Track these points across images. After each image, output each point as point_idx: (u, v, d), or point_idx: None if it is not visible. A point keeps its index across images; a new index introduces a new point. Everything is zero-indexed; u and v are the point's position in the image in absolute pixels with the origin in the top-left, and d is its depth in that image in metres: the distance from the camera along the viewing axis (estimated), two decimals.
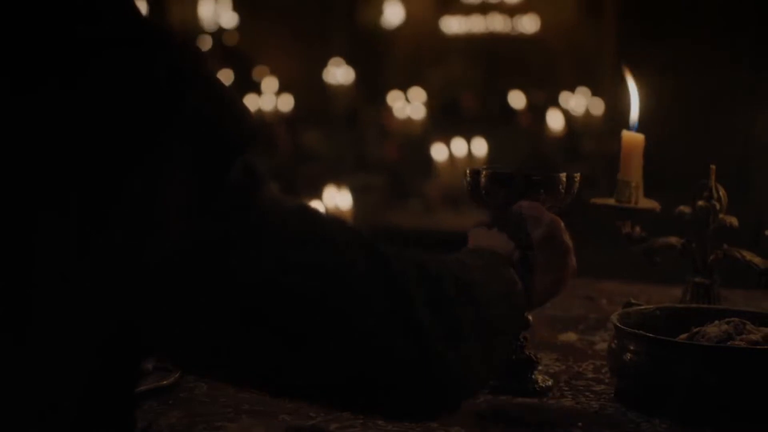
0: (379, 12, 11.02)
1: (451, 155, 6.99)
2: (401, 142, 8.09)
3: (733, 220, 1.73)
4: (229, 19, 9.84)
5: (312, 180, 6.77)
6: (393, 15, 10.96)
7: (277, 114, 8.39)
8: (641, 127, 1.84)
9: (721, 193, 1.75)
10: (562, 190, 1.40)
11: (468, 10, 10.97)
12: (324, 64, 9.75)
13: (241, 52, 9.92)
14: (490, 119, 9.06)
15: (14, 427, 0.79)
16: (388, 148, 7.87)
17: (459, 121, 8.61)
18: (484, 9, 10.92)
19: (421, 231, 6.43)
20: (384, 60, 11.23)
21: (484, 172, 1.41)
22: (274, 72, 9.44)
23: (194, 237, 0.83)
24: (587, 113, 9.44)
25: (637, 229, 1.82)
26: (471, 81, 10.76)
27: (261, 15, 10.14)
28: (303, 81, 9.74)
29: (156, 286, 0.82)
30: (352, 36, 10.93)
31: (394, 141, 8.04)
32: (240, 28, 9.98)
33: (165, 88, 0.82)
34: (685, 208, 1.78)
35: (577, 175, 1.42)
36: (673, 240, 1.79)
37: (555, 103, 9.21)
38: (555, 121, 8.55)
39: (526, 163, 7.72)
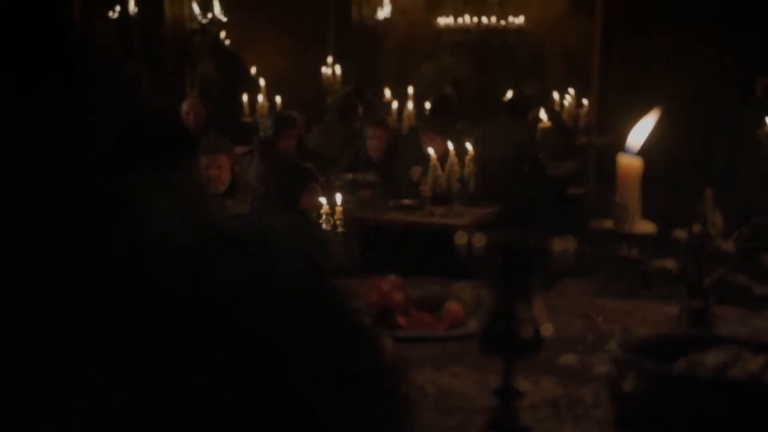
0: (372, 7, 11.02)
1: (443, 150, 6.99)
2: (393, 137, 8.09)
3: (729, 246, 1.76)
4: (220, 14, 9.82)
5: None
6: (385, 10, 10.96)
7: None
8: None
9: (716, 219, 1.78)
10: (557, 260, 1.41)
11: (459, 6, 10.98)
12: (317, 61, 9.75)
13: (232, 48, 9.91)
14: (482, 113, 9.07)
15: (14, 427, 0.80)
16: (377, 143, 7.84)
17: (452, 116, 8.62)
18: (475, 5, 10.92)
19: (412, 226, 6.46)
20: (377, 55, 11.24)
21: (479, 240, 1.43)
22: (265, 68, 9.43)
23: (194, 241, 0.85)
24: (576, 107, 9.47)
25: (634, 251, 1.85)
26: (463, 76, 10.76)
27: (253, 11, 10.12)
28: (295, 78, 9.75)
29: (154, 288, 0.83)
30: (346, 32, 10.92)
31: (383, 137, 8.00)
32: (232, 24, 9.96)
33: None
34: (680, 233, 1.81)
35: (572, 245, 1.42)
36: (669, 263, 1.83)
37: (545, 97, 9.23)
38: (543, 114, 8.58)
39: (518, 156, 7.74)
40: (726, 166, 9.11)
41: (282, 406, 0.91)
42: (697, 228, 1.78)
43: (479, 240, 1.44)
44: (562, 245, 1.42)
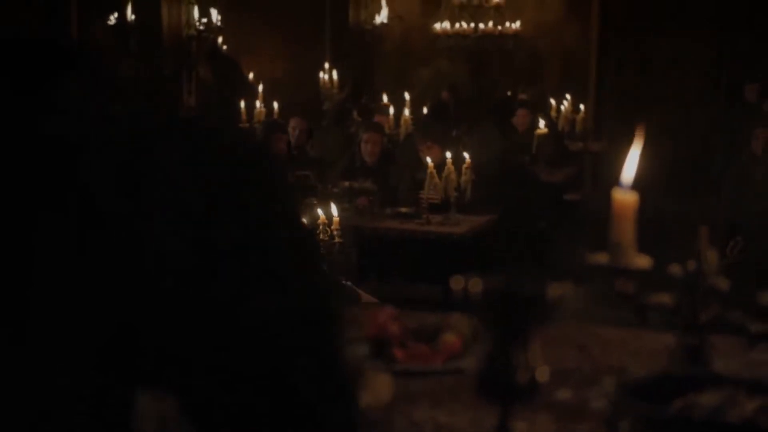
0: (369, 12, 11.01)
1: (441, 157, 6.99)
2: (388, 141, 8.08)
3: (723, 284, 1.77)
4: (217, 21, 9.80)
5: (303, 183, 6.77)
6: (382, 15, 10.95)
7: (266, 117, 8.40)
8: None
9: (710, 256, 1.79)
10: (552, 308, 1.43)
11: (456, 11, 10.96)
12: (314, 65, 9.75)
13: (230, 54, 9.90)
14: (480, 118, 9.07)
15: (15, 427, 0.81)
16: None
17: (448, 122, 8.62)
18: (471, 10, 10.91)
19: (410, 234, 6.47)
20: (374, 60, 11.24)
21: (476, 286, 1.44)
22: (263, 74, 9.43)
23: (193, 241, 0.85)
24: (573, 112, 9.48)
25: (630, 286, 1.86)
26: (460, 80, 10.77)
27: (250, 16, 10.12)
28: (293, 83, 9.75)
29: (154, 288, 0.84)
30: (343, 36, 10.92)
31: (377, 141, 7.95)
32: (229, 29, 9.96)
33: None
34: (676, 268, 1.82)
35: (569, 291, 1.43)
36: (665, 298, 1.84)
37: (543, 103, 9.24)
38: (540, 120, 8.58)
39: (512, 163, 7.74)
40: (725, 167, 9.14)
41: (282, 406, 0.92)
42: (691, 265, 1.79)
43: (476, 285, 1.45)
44: (559, 291, 1.43)
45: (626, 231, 1.85)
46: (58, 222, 0.80)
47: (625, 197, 1.86)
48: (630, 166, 1.87)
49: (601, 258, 1.88)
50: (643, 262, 1.85)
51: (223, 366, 0.90)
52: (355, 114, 8.95)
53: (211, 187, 0.86)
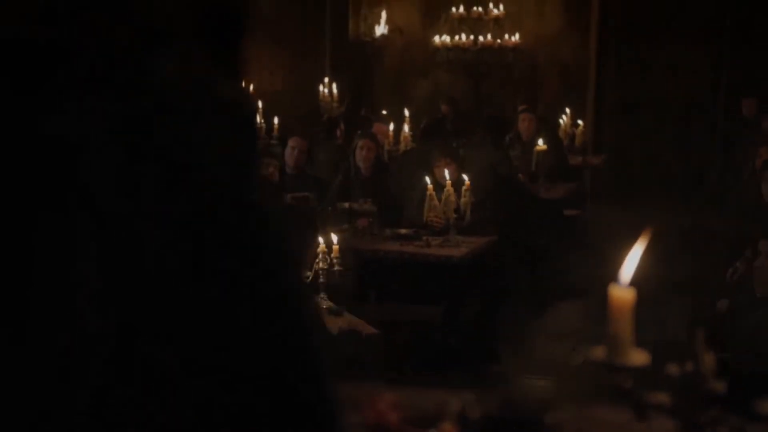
0: (369, 25, 11.01)
1: (441, 177, 7.00)
2: (382, 149, 8.05)
3: (720, 387, 1.78)
4: None
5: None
6: (382, 28, 10.96)
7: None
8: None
9: (707, 358, 1.79)
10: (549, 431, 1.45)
11: (456, 25, 10.97)
12: (314, 78, 9.74)
13: None
14: (477, 133, 9.06)
15: (15, 427, 0.81)
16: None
17: (445, 136, 8.61)
18: (471, 23, 10.92)
19: (410, 256, 6.47)
20: (373, 73, 11.24)
21: (473, 411, 1.45)
22: (263, 87, 9.43)
23: (194, 241, 0.85)
24: (572, 126, 9.48)
25: (628, 382, 1.86)
26: (460, 92, 10.77)
27: (251, 30, 10.12)
28: (292, 96, 9.75)
29: (154, 288, 0.84)
30: (343, 49, 10.91)
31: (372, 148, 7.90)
32: None
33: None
34: (673, 369, 1.82)
35: (567, 415, 1.45)
36: (663, 398, 1.84)
37: (545, 120, 9.23)
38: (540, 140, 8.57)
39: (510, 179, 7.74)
40: (723, 177, 9.17)
41: (282, 406, 0.92)
42: (689, 366, 1.79)
43: (473, 411, 1.46)
44: (555, 419, 1.44)
45: (624, 327, 1.86)
46: (58, 222, 0.80)
47: (623, 294, 1.86)
48: (629, 265, 1.87)
49: (599, 353, 1.88)
50: (640, 358, 1.85)
51: (223, 366, 0.90)
52: (341, 126, 8.90)
53: (212, 186, 0.86)
